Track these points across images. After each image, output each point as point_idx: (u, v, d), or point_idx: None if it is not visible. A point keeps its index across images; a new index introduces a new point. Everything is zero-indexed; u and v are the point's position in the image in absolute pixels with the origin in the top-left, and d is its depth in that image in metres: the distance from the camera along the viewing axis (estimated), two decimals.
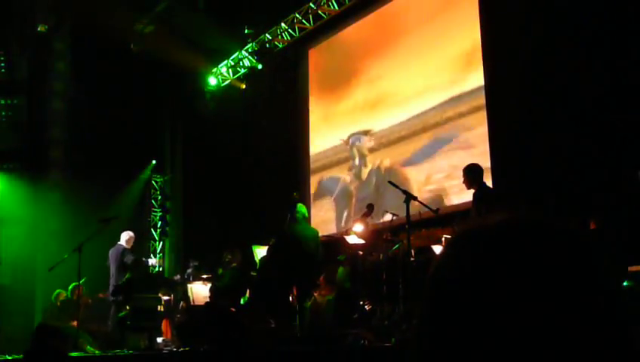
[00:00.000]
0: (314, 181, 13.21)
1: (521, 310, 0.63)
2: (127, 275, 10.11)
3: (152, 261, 11.63)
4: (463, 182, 7.43)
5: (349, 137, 12.47)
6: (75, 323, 9.78)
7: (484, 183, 7.44)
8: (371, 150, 11.93)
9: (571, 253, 0.67)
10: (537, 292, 0.63)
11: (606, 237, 6.50)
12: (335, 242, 10.01)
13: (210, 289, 9.61)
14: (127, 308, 9.55)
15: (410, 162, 11.00)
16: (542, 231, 0.68)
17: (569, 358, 0.62)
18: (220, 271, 9.80)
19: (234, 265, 9.57)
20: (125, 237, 10.79)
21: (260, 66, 13.90)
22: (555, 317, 0.62)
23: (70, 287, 11.07)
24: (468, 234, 0.71)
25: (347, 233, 9.11)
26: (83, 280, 10.06)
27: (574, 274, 0.65)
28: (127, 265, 10.31)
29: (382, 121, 11.79)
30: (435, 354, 0.67)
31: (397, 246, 8.20)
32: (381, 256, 8.40)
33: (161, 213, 16.20)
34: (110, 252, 10.66)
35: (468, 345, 0.64)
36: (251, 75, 14.44)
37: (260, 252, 9.25)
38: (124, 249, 10.59)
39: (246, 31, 13.97)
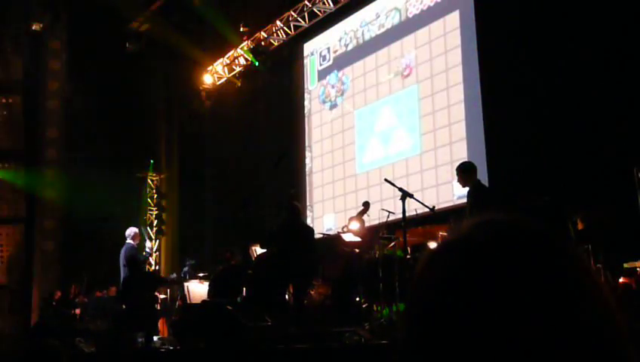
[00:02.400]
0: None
1: (499, 319, 0.62)
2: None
3: (148, 244, 11.59)
4: (458, 181, 7.44)
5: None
6: (74, 315, 9.79)
7: (479, 181, 7.46)
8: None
9: (545, 256, 0.66)
10: (513, 299, 0.63)
11: (594, 236, 6.51)
12: (331, 240, 10.01)
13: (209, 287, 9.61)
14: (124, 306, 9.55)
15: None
16: (514, 237, 0.68)
17: None
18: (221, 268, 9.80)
19: (232, 262, 9.58)
20: (130, 233, 10.81)
21: (256, 64, 13.90)
22: (534, 322, 0.62)
23: (66, 287, 11.07)
24: (442, 247, 0.72)
25: (344, 231, 9.12)
26: (82, 279, 10.07)
27: (550, 277, 0.65)
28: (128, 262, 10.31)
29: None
30: None
31: (393, 243, 8.22)
32: (377, 253, 8.41)
33: (157, 212, 16.20)
34: (123, 250, 10.73)
35: (450, 356, 0.64)
36: (247, 73, 14.44)
37: (257, 250, 9.25)
38: (129, 247, 10.61)
39: (241, 29, 13.97)
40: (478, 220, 0.71)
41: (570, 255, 0.68)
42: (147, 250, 11.36)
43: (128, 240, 10.72)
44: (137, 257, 10.39)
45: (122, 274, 10.53)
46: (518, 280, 0.64)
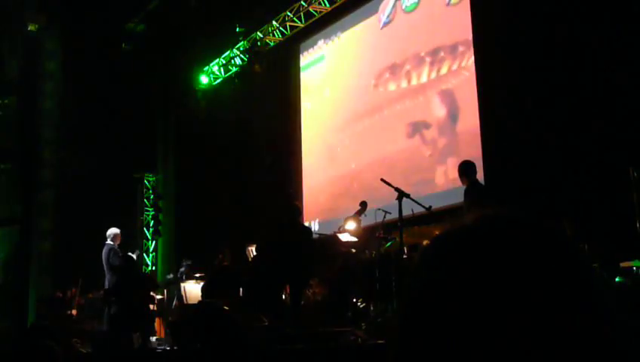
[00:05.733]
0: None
1: (493, 314, 0.62)
2: (116, 278, 10.06)
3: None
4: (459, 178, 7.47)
5: None
6: (71, 316, 9.76)
7: (477, 180, 7.48)
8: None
9: (543, 251, 0.66)
10: (510, 294, 0.63)
11: (591, 236, 6.52)
12: (328, 240, 10.00)
13: (202, 288, 9.60)
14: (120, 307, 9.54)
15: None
16: (510, 231, 0.68)
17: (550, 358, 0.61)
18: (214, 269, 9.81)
19: (225, 263, 9.59)
20: (110, 235, 10.67)
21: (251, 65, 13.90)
22: (535, 315, 0.62)
23: (65, 288, 11.04)
24: (437, 241, 0.71)
25: (340, 231, 9.12)
26: (78, 280, 10.04)
27: (552, 270, 0.65)
28: (115, 267, 10.22)
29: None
30: None
31: (390, 243, 8.22)
32: (374, 253, 8.41)
33: (153, 213, 16.18)
34: (103, 252, 10.64)
35: (443, 355, 0.64)
36: (243, 73, 14.43)
37: (253, 250, 9.25)
38: (111, 248, 10.50)
39: (237, 29, 13.96)
40: (479, 214, 0.71)
41: (572, 250, 0.68)
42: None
43: (108, 241, 10.56)
44: (117, 259, 10.28)
45: (106, 275, 10.47)
46: (518, 271, 0.64)
